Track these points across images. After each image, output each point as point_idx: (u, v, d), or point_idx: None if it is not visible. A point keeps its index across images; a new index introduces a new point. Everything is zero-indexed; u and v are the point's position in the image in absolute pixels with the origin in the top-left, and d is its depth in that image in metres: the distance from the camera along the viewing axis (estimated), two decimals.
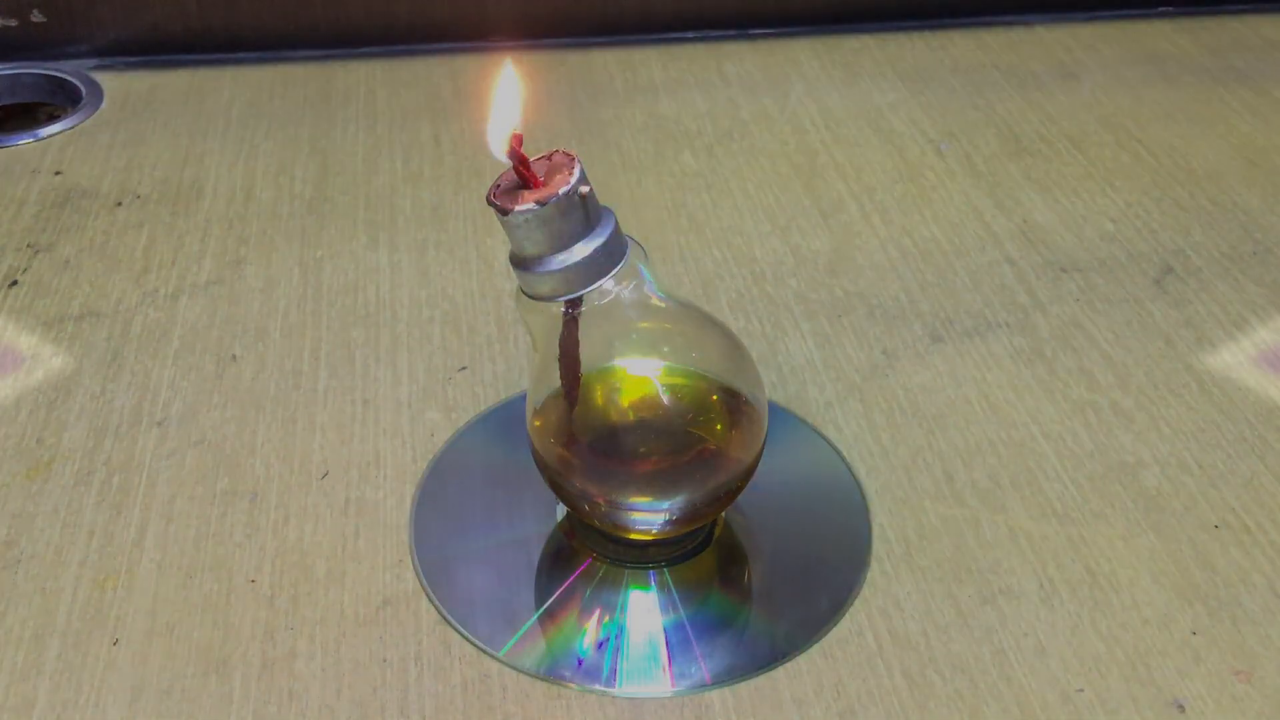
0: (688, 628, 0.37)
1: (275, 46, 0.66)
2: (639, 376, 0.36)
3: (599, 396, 0.36)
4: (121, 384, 0.45)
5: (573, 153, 0.31)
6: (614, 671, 0.35)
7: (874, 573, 0.38)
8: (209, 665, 0.35)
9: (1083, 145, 0.61)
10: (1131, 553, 0.39)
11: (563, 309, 0.32)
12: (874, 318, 0.49)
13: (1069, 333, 0.48)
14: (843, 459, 0.42)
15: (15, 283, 0.50)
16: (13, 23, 0.64)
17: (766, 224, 0.54)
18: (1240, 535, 0.40)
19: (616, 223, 0.32)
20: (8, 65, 0.65)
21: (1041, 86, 0.66)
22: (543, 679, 0.35)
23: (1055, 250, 0.53)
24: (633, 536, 0.37)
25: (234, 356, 0.46)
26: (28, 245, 0.52)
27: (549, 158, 0.31)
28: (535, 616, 0.37)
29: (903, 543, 0.39)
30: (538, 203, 0.30)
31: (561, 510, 0.40)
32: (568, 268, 0.31)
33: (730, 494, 0.36)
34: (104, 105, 0.62)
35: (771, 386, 0.45)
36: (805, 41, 0.69)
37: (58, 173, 0.57)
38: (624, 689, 0.35)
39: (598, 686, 0.35)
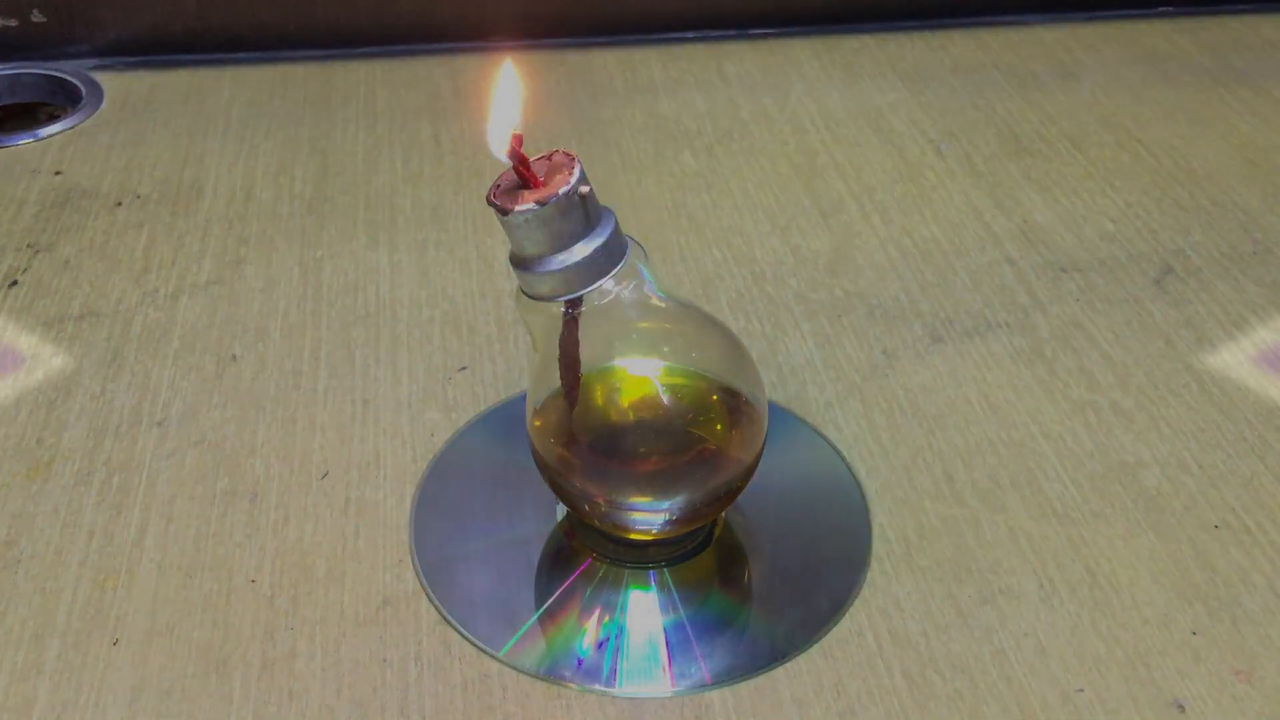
0: (688, 628, 0.37)
1: (275, 46, 0.66)
2: (639, 376, 0.36)
3: (599, 396, 0.36)
4: (121, 384, 0.45)
5: (573, 153, 0.31)
6: (614, 671, 0.35)
7: (874, 573, 0.38)
8: (209, 665, 0.35)
9: (1083, 145, 0.61)
10: (1131, 553, 0.39)
11: (563, 309, 0.32)
12: (874, 318, 0.49)
13: (1069, 333, 0.48)
14: (843, 459, 0.42)
15: (15, 283, 0.50)
16: (13, 23, 0.64)
17: (766, 224, 0.54)
18: (1240, 535, 0.40)
19: (616, 223, 0.32)
20: (8, 65, 0.65)
21: (1041, 86, 0.66)
22: (543, 679, 0.35)
23: (1055, 250, 0.53)
24: (633, 536, 0.37)
25: (234, 356, 0.46)
26: (28, 245, 0.52)
27: (549, 158, 0.31)
28: (535, 616, 0.37)
29: (903, 543, 0.39)
30: (538, 203, 0.30)
31: (561, 510, 0.40)
32: (568, 268, 0.31)
33: (730, 494, 0.36)
34: (104, 105, 0.62)
35: (771, 386, 0.45)
36: (805, 41, 0.69)
37: (58, 173, 0.57)
38: (624, 689, 0.35)
39: (598, 686, 0.35)
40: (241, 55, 0.66)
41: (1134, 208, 0.56)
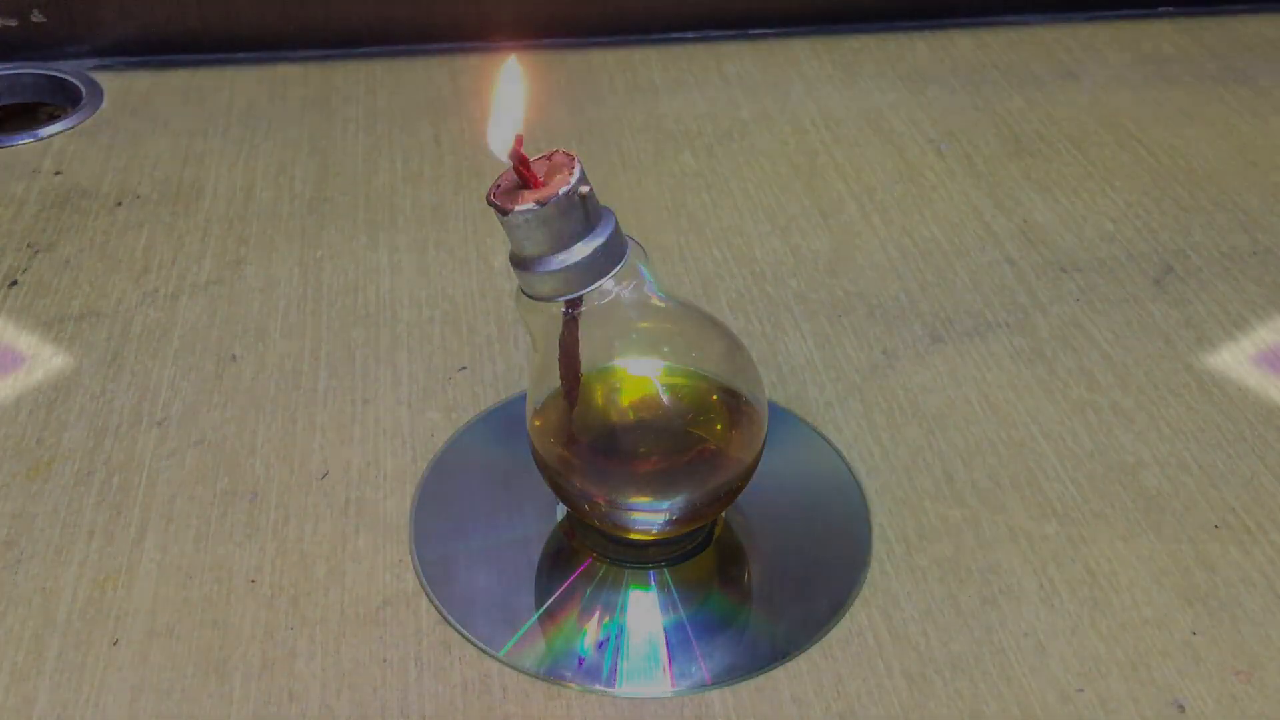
0: (688, 628, 0.37)
1: (275, 46, 0.66)
2: (639, 376, 0.36)
3: (599, 396, 0.36)
4: (121, 384, 0.45)
5: (573, 153, 0.31)
6: (614, 671, 0.35)
7: (874, 573, 0.38)
8: (209, 665, 0.35)
9: (1083, 145, 0.61)
10: (1131, 553, 0.39)
11: (563, 309, 0.32)
12: (874, 318, 0.49)
13: (1069, 333, 0.48)
14: (843, 459, 0.42)
15: (15, 283, 0.50)
16: (13, 23, 0.64)
17: (766, 224, 0.54)
18: (1240, 535, 0.40)
19: (616, 223, 0.32)
20: (8, 65, 0.65)
21: (1041, 86, 0.66)
22: (543, 679, 0.35)
23: (1055, 250, 0.53)
24: (633, 536, 0.37)
25: (234, 356, 0.46)
26: (28, 245, 0.52)
27: (549, 158, 0.31)
28: (535, 616, 0.37)
29: (903, 543, 0.39)
30: (538, 203, 0.30)
31: (561, 510, 0.40)
32: (568, 268, 0.31)
33: (730, 494, 0.36)
34: (104, 105, 0.62)
35: (771, 386, 0.45)
36: (805, 41, 0.69)
37: (58, 173, 0.57)
38: (624, 689, 0.35)
39: (598, 686, 0.35)
40: (241, 55, 0.66)
41: (1134, 208, 0.56)
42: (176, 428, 0.43)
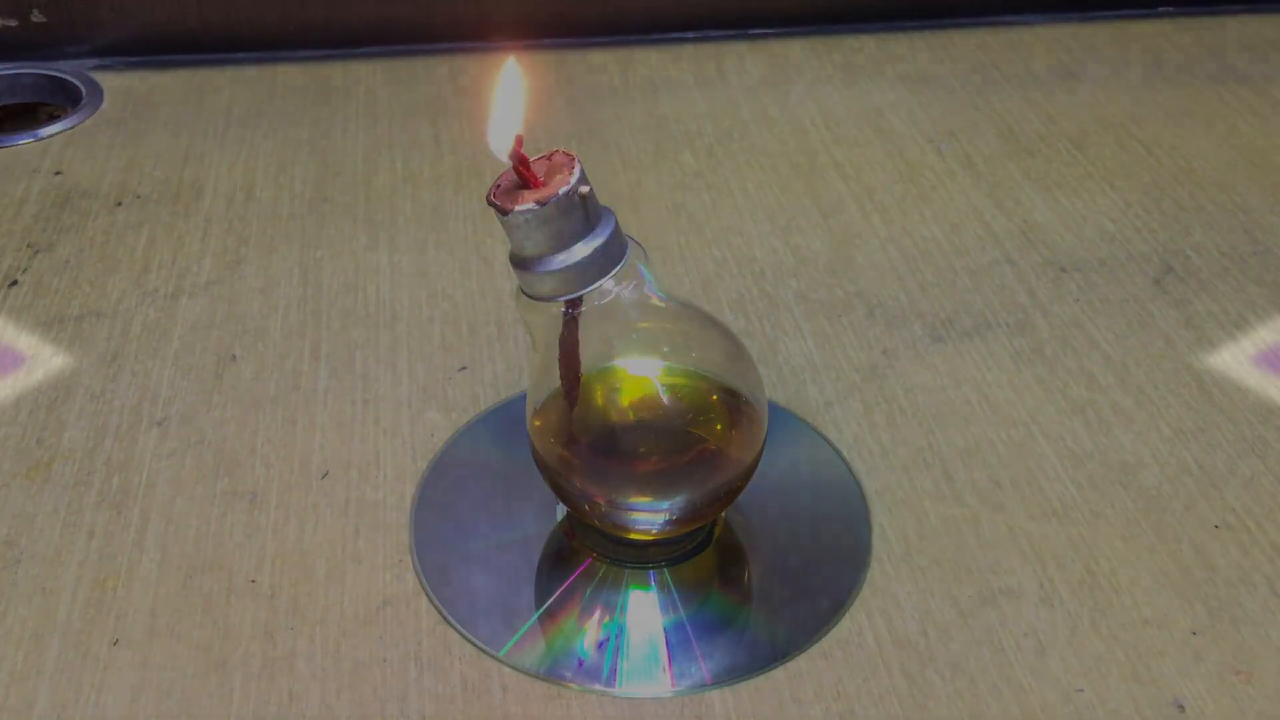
0: (688, 628, 0.37)
1: (275, 46, 0.66)
2: (639, 376, 0.36)
3: (599, 396, 0.36)
4: (121, 384, 0.45)
5: (573, 153, 0.31)
6: (614, 671, 0.35)
7: (874, 573, 0.38)
8: (209, 665, 0.35)
9: (1083, 145, 0.61)
10: (1131, 553, 0.39)
11: (563, 309, 0.32)
12: (874, 318, 0.49)
13: (1069, 333, 0.48)
14: (843, 459, 0.42)
15: (15, 283, 0.50)
16: (13, 23, 0.64)
17: (766, 224, 0.54)
18: (1240, 535, 0.40)
19: (616, 223, 0.32)
20: (8, 65, 0.65)
21: (1041, 86, 0.66)
22: (543, 679, 0.35)
23: (1055, 250, 0.53)
24: (633, 536, 0.37)
25: (234, 356, 0.46)
26: (28, 245, 0.52)
27: (549, 158, 0.31)
28: (535, 616, 0.37)
29: (903, 543, 0.39)
30: (538, 203, 0.30)
31: (561, 510, 0.40)
32: (568, 268, 0.31)
33: (730, 494, 0.36)
34: (104, 105, 0.62)
35: (771, 386, 0.45)
36: (805, 41, 0.69)
37: (58, 173, 0.57)
38: (624, 689, 0.35)
39: (598, 686, 0.35)
40: (241, 55, 0.66)
41: (1134, 208, 0.56)
42: (176, 428, 0.43)
